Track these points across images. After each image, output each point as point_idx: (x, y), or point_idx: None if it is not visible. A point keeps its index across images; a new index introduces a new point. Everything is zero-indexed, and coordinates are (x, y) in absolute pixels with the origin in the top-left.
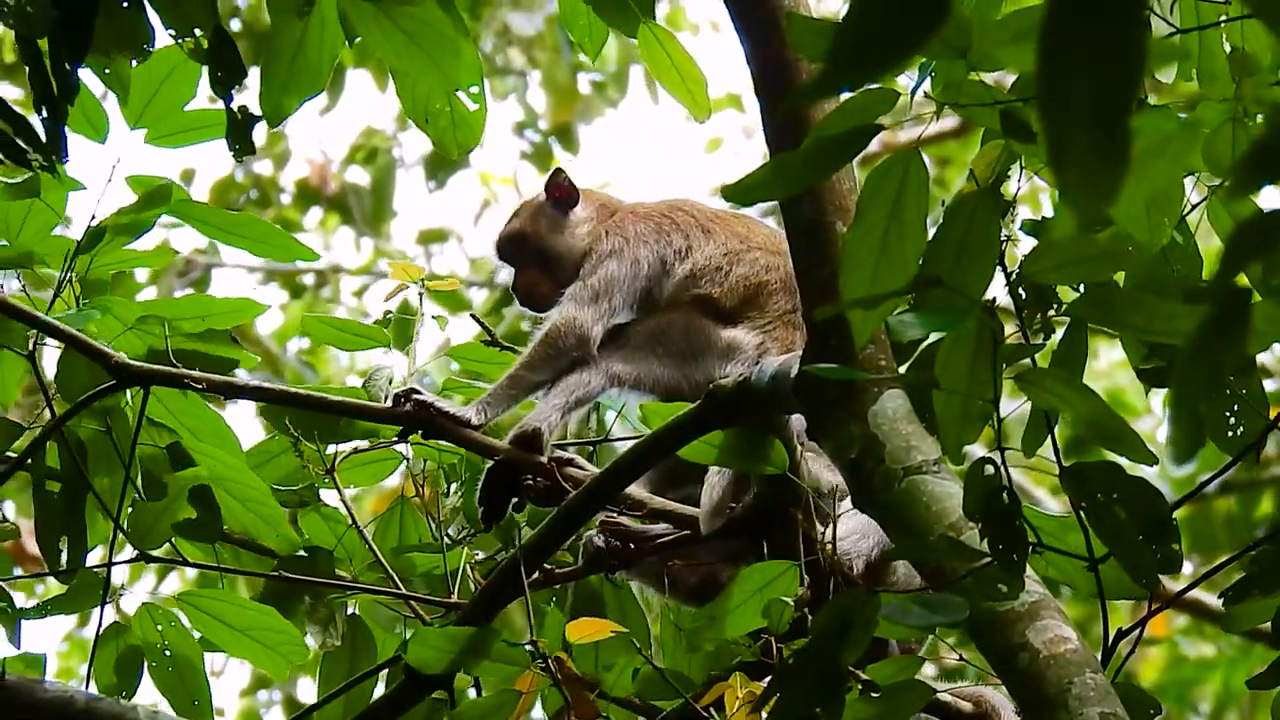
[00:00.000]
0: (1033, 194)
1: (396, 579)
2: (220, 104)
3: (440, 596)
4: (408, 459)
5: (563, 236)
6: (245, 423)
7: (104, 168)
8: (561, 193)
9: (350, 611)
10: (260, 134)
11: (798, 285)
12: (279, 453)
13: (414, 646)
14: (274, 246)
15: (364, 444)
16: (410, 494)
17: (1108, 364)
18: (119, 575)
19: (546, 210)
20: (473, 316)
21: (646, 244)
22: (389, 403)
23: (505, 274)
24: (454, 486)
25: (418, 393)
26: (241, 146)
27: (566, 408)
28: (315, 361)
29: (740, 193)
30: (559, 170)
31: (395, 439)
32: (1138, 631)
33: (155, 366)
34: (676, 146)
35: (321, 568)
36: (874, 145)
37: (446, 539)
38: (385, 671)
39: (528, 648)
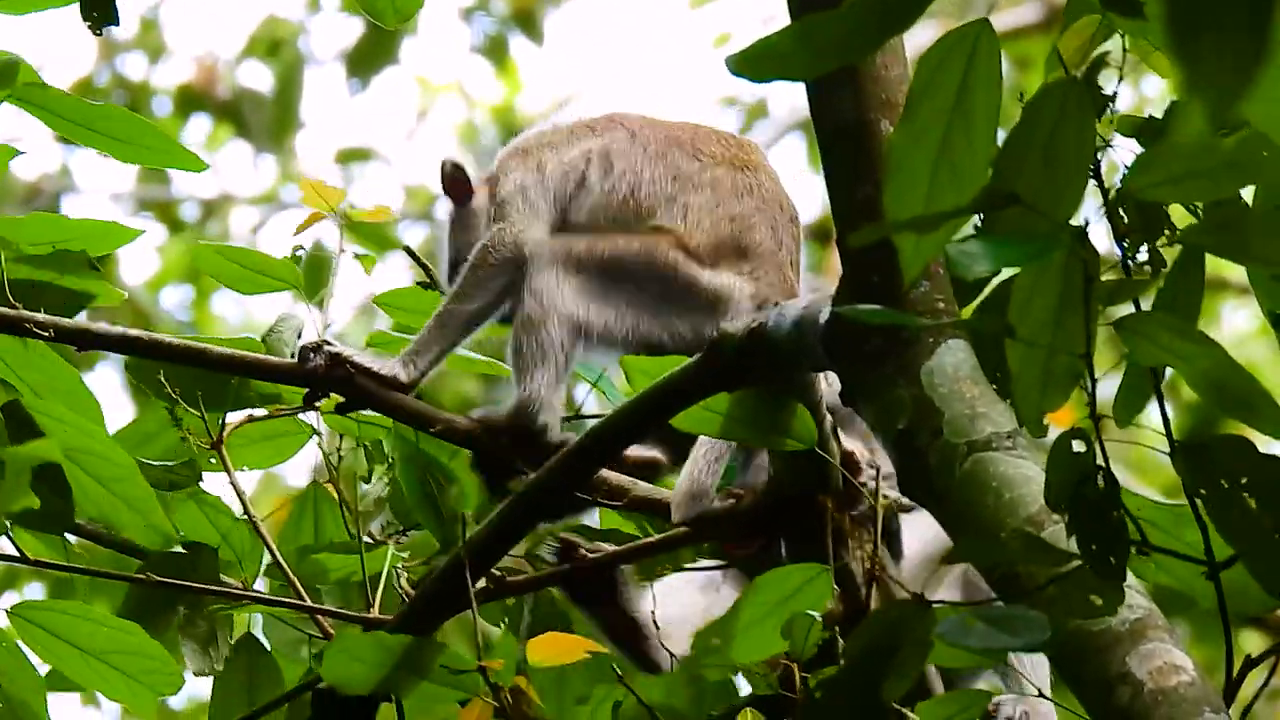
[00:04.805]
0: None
1: (300, 587)
2: None
3: (356, 610)
4: (319, 433)
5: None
6: (105, 395)
7: None
8: (458, 188)
9: (247, 632)
10: (129, 6)
11: (830, 203)
12: (156, 432)
13: (333, 657)
14: (150, 150)
15: (260, 412)
16: (322, 479)
17: (1232, 331)
18: None
19: (454, 217)
20: (407, 251)
21: (554, 149)
22: (295, 358)
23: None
24: (377, 470)
25: (331, 344)
26: (100, 14)
27: (554, 382)
28: (201, 319)
29: (750, 64)
30: (443, 165)
31: (301, 405)
32: (1273, 660)
33: None
34: (672, 39)
35: (203, 569)
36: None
37: (366, 538)
38: (285, 707)
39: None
